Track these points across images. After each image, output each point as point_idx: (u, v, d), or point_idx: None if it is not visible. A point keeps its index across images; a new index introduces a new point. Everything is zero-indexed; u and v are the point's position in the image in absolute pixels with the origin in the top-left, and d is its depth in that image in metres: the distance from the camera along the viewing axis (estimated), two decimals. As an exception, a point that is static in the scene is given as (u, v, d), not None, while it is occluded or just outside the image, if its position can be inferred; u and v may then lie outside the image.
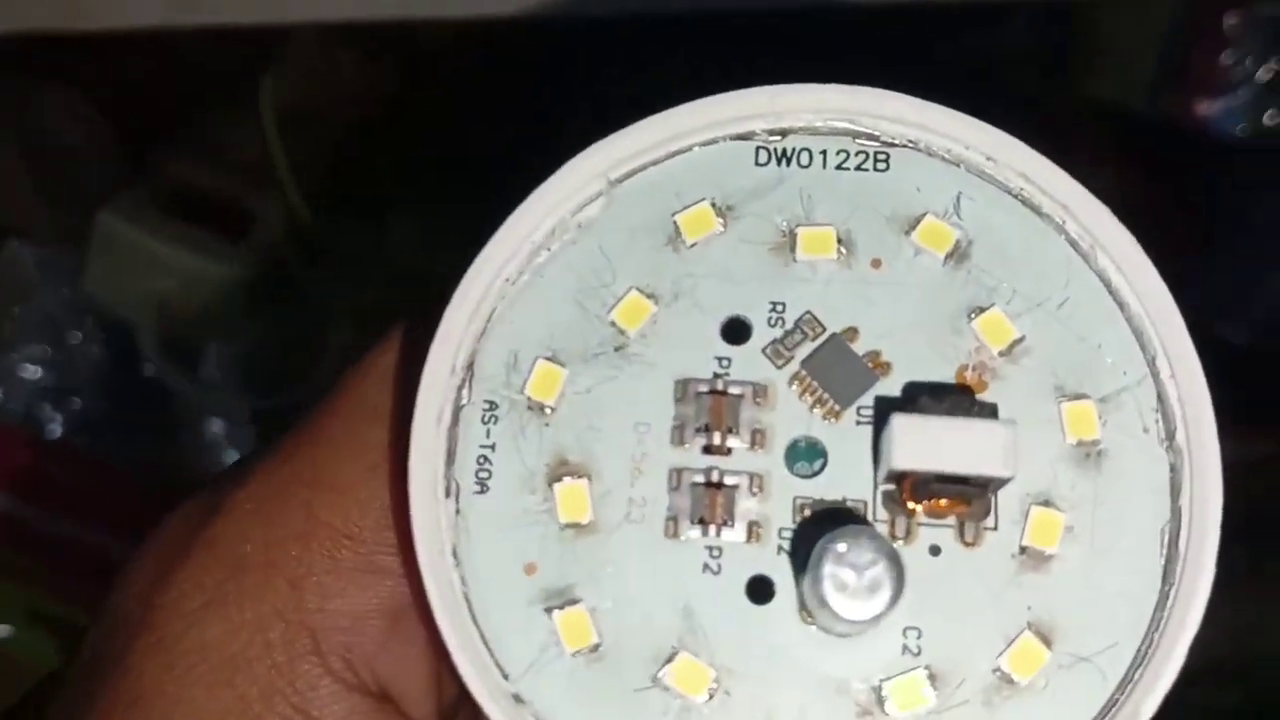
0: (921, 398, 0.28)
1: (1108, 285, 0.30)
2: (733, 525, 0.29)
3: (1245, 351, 0.81)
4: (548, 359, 0.30)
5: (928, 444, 0.27)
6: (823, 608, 0.26)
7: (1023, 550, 0.29)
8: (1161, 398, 0.29)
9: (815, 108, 0.31)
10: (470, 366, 0.30)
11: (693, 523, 0.29)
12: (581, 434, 0.30)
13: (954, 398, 0.27)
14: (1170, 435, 0.29)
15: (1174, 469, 0.29)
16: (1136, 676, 0.28)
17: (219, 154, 0.78)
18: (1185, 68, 0.84)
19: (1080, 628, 0.28)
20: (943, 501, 0.28)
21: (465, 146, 0.77)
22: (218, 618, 0.29)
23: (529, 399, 0.30)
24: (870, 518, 0.29)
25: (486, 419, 0.30)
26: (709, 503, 0.29)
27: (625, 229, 0.31)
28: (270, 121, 0.75)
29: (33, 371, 0.82)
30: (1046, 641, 0.28)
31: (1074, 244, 0.30)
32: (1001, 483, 0.28)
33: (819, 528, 0.28)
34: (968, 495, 0.27)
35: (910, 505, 0.28)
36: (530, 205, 0.31)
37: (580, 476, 0.30)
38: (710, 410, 0.30)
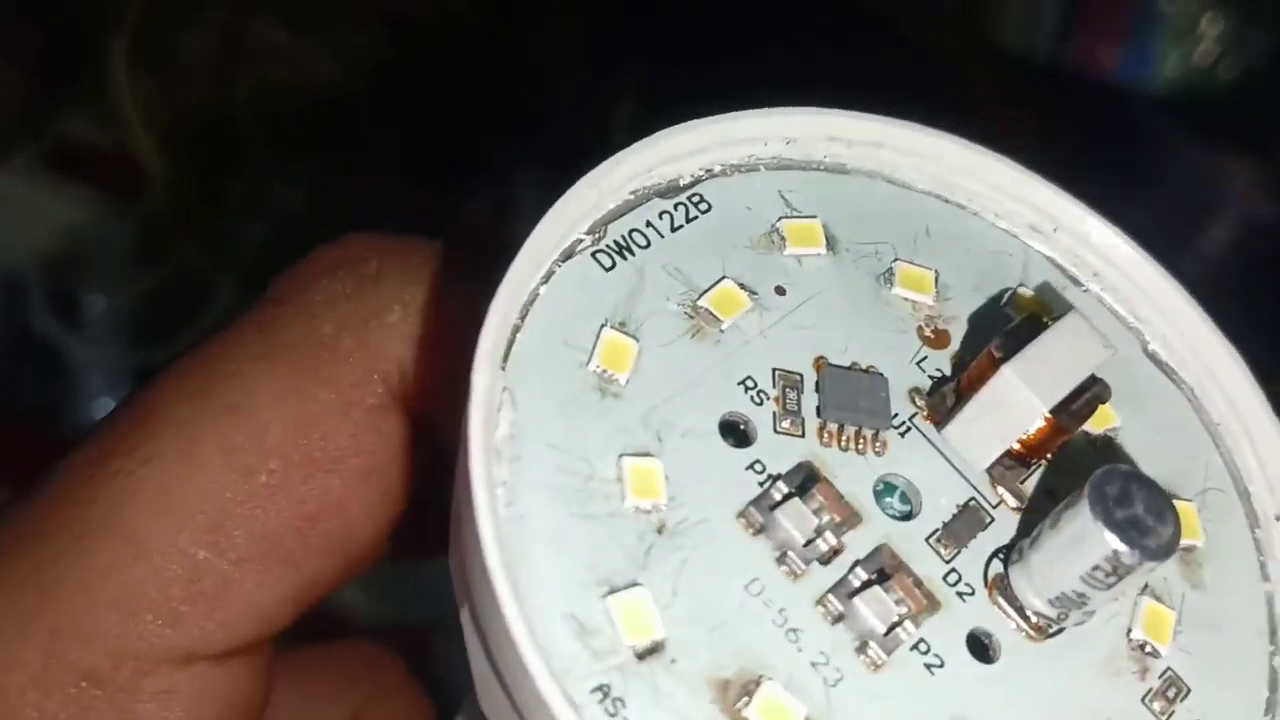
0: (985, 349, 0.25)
1: None
2: (921, 601, 0.24)
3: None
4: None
5: (1051, 369, 0.24)
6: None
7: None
8: None
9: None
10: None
11: (889, 633, 0.23)
12: (710, 634, 0.23)
13: (1018, 326, 0.25)
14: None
15: None
16: None
17: (113, 111, 0.79)
18: (1084, 11, 0.75)
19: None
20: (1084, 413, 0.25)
21: (356, 117, 0.79)
22: None
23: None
24: (989, 505, 0.26)
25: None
26: (889, 597, 0.24)
27: None
28: (121, 74, 0.77)
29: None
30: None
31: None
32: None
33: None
34: (1102, 395, 0.25)
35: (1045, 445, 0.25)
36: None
37: (756, 685, 0.22)
38: (794, 519, 0.24)
